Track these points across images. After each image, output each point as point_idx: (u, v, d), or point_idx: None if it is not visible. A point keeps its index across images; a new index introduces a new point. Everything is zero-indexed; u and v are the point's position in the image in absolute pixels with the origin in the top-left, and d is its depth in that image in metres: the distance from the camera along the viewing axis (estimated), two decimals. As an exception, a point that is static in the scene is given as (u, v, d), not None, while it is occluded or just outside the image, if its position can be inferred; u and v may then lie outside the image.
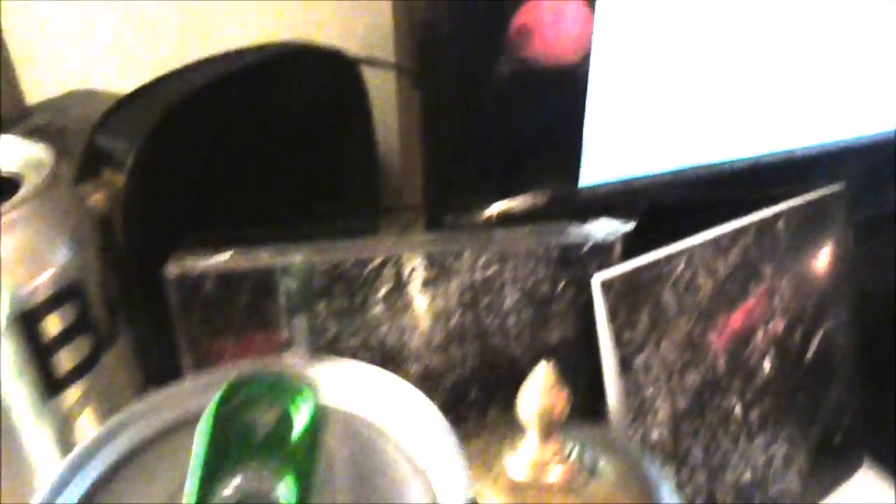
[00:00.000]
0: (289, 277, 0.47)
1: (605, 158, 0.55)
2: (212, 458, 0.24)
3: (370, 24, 0.73)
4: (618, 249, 0.51)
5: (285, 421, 0.26)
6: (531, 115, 0.52)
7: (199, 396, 0.27)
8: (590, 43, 0.50)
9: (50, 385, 0.39)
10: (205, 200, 0.55)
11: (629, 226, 0.52)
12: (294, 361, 0.30)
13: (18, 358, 0.37)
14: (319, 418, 0.26)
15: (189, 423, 0.26)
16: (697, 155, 0.59)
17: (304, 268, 0.47)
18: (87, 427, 0.40)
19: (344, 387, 0.29)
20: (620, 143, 0.55)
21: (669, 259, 0.53)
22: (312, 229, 0.50)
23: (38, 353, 0.38)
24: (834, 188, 0.65)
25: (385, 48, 0.70)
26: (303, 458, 0.25)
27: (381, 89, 0.68)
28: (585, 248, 0.51)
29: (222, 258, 0.47)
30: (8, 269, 0.35)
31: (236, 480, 0.25)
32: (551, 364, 0.38)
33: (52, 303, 0.37)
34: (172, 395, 0.28)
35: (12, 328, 0.36)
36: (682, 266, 0.54)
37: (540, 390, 0.38)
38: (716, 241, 0.56)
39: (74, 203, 0.41)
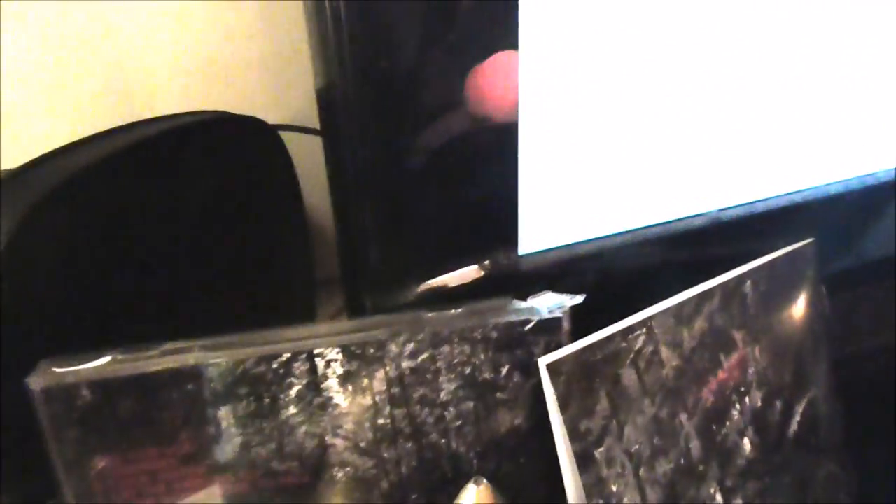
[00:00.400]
0: (182, 382, 0.40)
1: (545, 222, 0.49)
2: None
3: (300, 92, 0.68)
4: (566, 326, 0.45)
5: None
6: (458, 178, 0.46)
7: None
8: (517, 98, 0.45)
9: None
10: (98, 294, 0.48)
11: (577, 299, 0.45)
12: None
13: None
14: None
15: None
16: (649, 214, 0.53)
17: (198, 369, 0.40)
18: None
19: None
20: (561, 203, 0.49)
21: (626, 334, 0.47)
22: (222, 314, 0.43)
23: None
24: (802, 243, 0.59)
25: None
26: None
27: (313, 159, 0.62)
28: (529, 327, 0.44)
29: (99, 363, 0.40)
30: None
31: None
32: (483, 484, 0.31)
33: None
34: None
35: None
36: (641, 341, 0.47)
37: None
38: (677, 310, 0.50)
39: None
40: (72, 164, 0.50)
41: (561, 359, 0.43)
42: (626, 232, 0.52)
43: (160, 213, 0.53)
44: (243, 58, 0.65)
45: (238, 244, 0.59)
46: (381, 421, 0.44)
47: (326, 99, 0.47)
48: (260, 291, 0.61)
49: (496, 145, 0.46)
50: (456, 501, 0.32)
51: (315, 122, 0.58)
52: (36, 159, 0.51)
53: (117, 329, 0.46)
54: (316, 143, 0.59)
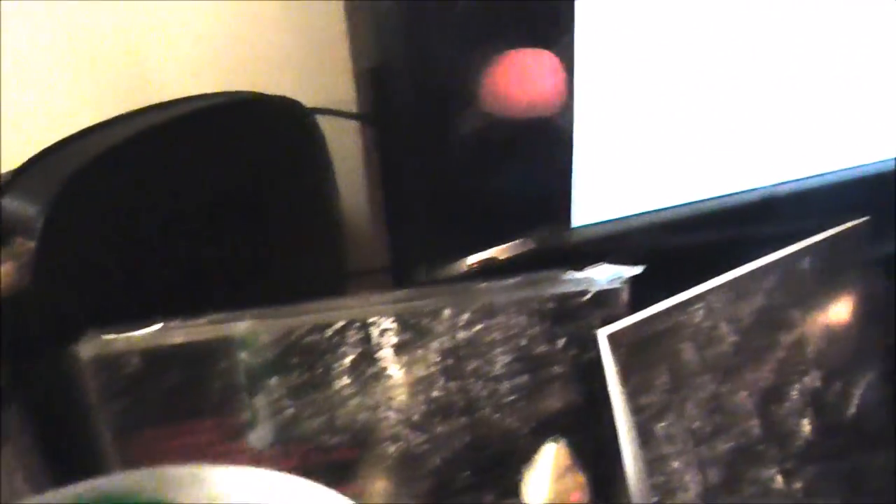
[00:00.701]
0: (233, 351, 0.39)
1: (598, 195, 0.48)
2: None
3: (330, 75, 0.66)
4: (624, 298, 0.44)
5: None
6: (512, 152, 0.44)
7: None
8: (571, 78, 0.44)
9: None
10: (134, 268, 0.47)
11: (635, 270, 0.44)
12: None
13: None
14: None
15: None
16: (703, 188, 0.51)
17: (250, 338, 0.39)
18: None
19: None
20: (614, 176, 0.48)
21: (685, 307, 0.45)
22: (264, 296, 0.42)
23: None
24: (857, 221, 0.58)
25: (347, 100, 0.63)
26: None
27: (343, 143, 0.60)
28: (587, 298, 0.43)
29: (150, 331, 0.39)
30: None
31: None
32: (563, 443, 0.30)
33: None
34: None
35: None
36: (700, 315, 0.46)
37: (550, 476, 0.29)
38: (735, 285, 0.48)
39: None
40: (107, 139, 0.49)
41: (621, 330, 0.42)
42: (680, 206, 0.51)
43: (193, 191, 0.51)
44: (271, 44, 0.64)
45: (270, 228, 0.57)
46: (434, 394, 0.43)
47: (379, 79, 0.46)
48: (289, 279, 0.59)
49: (551, 120, 0.45)
50: (534, 460, 0.30)
51: (342, 106, 0.57)
52: (74, 134, 0.50)
53: (147, 306, 0.45)
54: (345, 128, 0.58)
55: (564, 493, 0.29)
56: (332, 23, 0.62)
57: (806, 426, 0.51)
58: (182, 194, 0.50)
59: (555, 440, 0.30)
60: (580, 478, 0.30)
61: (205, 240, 0.52)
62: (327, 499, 0.21)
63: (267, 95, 0.57)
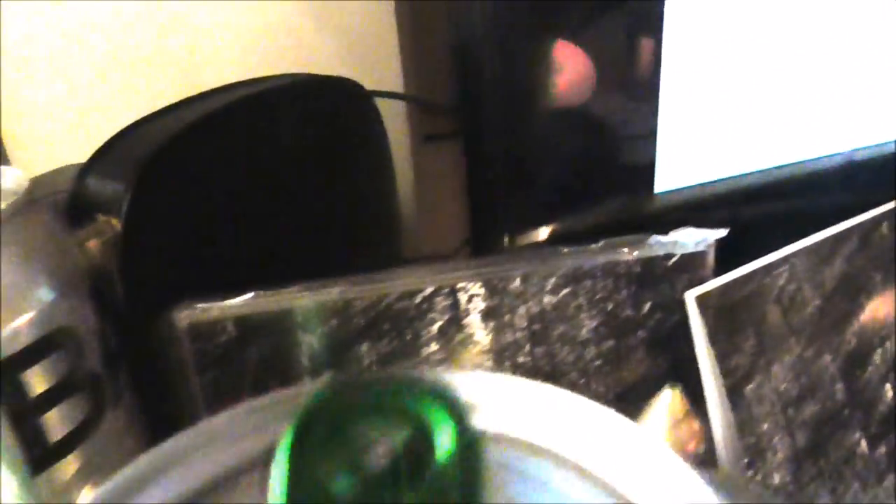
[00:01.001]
0: (313, 321, 0.40)
1: (683, 160, 0.47)
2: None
3: (375, 58, 0.66)
4: (711, 261, 0.43)
5: (421, 443, 0.17)
6: (597, 115, 0.44)
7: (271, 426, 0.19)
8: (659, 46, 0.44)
9: (38, 456, 0.31)
10: (212, 244, 0.48)
11: (721, 232, 0.44)
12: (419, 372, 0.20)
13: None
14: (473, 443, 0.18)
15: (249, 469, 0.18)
16: (785, 153, 0.51)
17: (334, 308, 0.40)
18: (86, 511, 0.32)
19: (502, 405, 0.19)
20: (700, 141, 0.48)
21: (769, 269, 0.45)
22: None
23: (20, 415, 0.30)
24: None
25: (392, 82, 0.63)
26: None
27: (391, 129, 0.60)
28: (673, 261, 0.43)
29: (243, 299, 0.39)
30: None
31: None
32: (679, 389, 0.30)
33: (34, 352, 0.30)
34: (224, 428, 0.19)
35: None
36: (784, 278, 0.45)
37: (667, 423, 0.29)
38: (817, 249, 0.48)
39: (59, 238, 0.34)
40: (179, 120, 0.49)
41: (709, 291, 0.42)
42: (764, 171, 0.50)
43: (255, 170, 0.52)
44: (314, 33, 0.64)
45: (330, 205, 0.57)
46: (520, 359, 0.43)
47: (459, 59, 0.46)
48: (348, 261, 0.60)
49: (637, 83, 0.45)
50: (650, 405, 0.30)
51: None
52: (148, 116, 0.50)
53: (225, 280, 0.45)
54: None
55: (681, 442, 0.29)
56: (379, 11, 0.63)
57: (889, 392, 0.50)
58: (254, 171, 0.51)
59: (672, 386, 0.29)
60: (697, 426, 0.30)
61: (277, 217, 0.52)
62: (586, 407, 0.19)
63: (330, 77, 0.58)
